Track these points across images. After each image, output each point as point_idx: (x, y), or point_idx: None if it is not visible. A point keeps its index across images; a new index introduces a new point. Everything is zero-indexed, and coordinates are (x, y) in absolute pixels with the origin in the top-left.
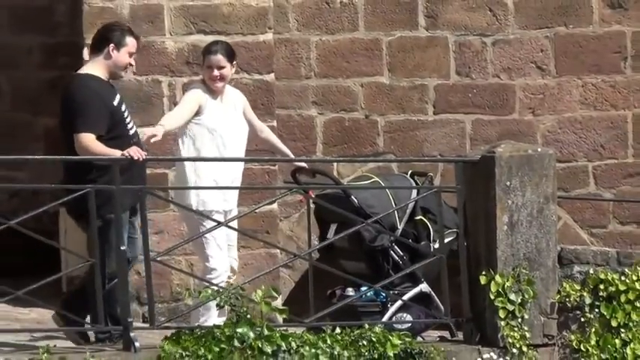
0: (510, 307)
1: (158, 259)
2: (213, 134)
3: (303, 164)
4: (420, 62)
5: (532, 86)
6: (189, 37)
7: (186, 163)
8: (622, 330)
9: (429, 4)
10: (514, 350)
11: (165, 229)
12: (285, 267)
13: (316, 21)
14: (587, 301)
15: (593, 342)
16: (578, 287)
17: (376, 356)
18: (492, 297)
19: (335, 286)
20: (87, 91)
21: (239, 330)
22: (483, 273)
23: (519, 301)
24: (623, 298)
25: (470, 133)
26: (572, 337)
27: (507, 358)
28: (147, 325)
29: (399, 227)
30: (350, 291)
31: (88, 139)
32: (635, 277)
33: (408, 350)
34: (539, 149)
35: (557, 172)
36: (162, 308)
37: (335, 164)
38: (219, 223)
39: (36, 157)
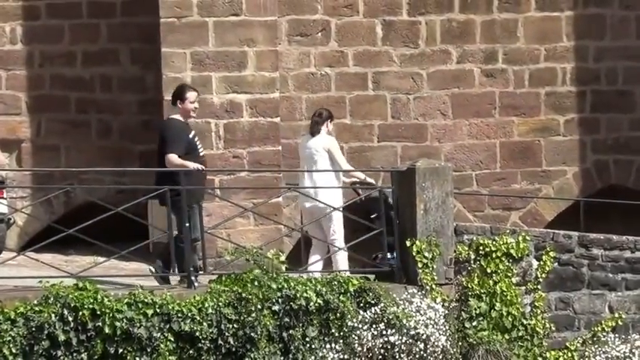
0: (425, 261)
1: (209, 231)
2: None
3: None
4: (369, 110)
5: (438, 125)
6: (227, 95)
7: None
8: (493, 274)
9: (374, 75)
10: (427, 287)
11: (212, 213)
12: (286, 237)
13: (305, 85)
14: (472, 257)
15: (475, 282)
16: (466, 248)
17: (343, 291)
18: (414, 254)
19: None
20: (173, 128)
21: (258, 274)
22: (409, 239)
23: (430, 257)
24: (494, 255)
25: (400, 154)
26: (463, 279)
27: (423, 292)
28: (202, 272)
29: None
30: (388, 255)
31: (174, 157)
32: (501, 242)
33: (362, 287)
34: (442, 163)
35: (453, 178)
36: (211, 262)
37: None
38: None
39: (133, 169)
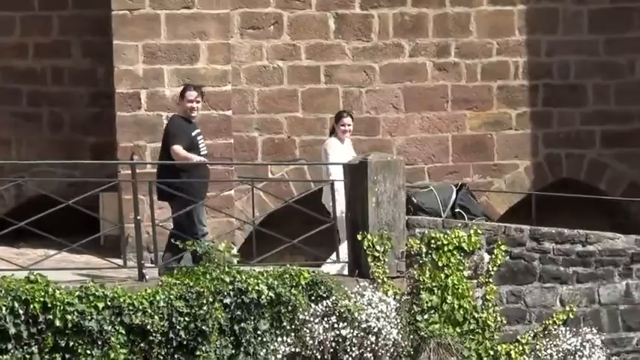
0: (377, 254)
1: (160, 224)
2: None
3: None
4: (321, 104)
5: (390, 119)
6: (179, 88)
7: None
8: (445, 268)
9: (327, 68)
10: (379, 280)
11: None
12: (238, 229)
13: (257, 78)
14: (424, 250)
15: (427, 275)
16: (418, 242)
17: (294, 284)
18: (365, 248)
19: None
20: (174, 125)
21: (209, 267)
22: (360, 233)
23: (382, 250)
24: (445, 249)
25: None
26: (415, 272)
27: (375, 285)
28: (153, 265)
29: (442, 215)
30: None
31: (179, 148)
32: (453, 236)
33: (314, 280)
34: (394, 157)
35: (405, 171)
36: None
37: (269, 166)
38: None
39: (85, 161)
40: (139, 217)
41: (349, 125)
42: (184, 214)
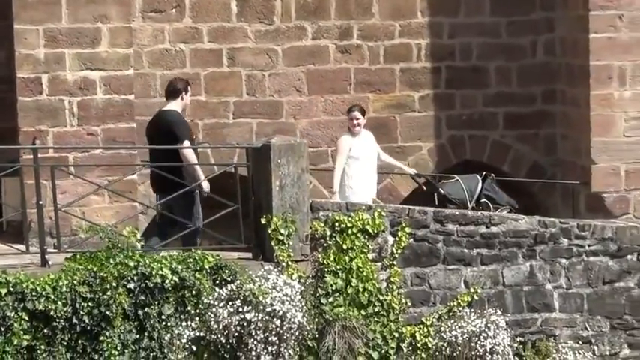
0: (281, 238)
1: (63, 209)
2: (358, 159)
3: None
4: (224, 87)
5: (293, 101)
6: (81, 72)
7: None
8: (349, 251)
9: (229, 51)
10: (283, 264)
11: (67, 191)
12: (141, 214)
13: (160, 62)
14: (328, 233)
15: (332, 258)
16: (322, 225)
17: (198, 268)
18: (269, 231)
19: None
20: (182, 123)
21: (113, 252)
22: (264, 216)
23: (286, 233)
24: (349, 231)
25: (255, 131)
26: (319, 255)
27: (279, 268)
28: (56, 251)
29: (468, 205)
30: None
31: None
32: (357, 219)
33: (218, 264)
34: (297, 140)
35: (308, 154)
36: (65, 240)
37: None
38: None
39: None
40: (41, 202)
41: (357, 119)
42: (185, 205)
